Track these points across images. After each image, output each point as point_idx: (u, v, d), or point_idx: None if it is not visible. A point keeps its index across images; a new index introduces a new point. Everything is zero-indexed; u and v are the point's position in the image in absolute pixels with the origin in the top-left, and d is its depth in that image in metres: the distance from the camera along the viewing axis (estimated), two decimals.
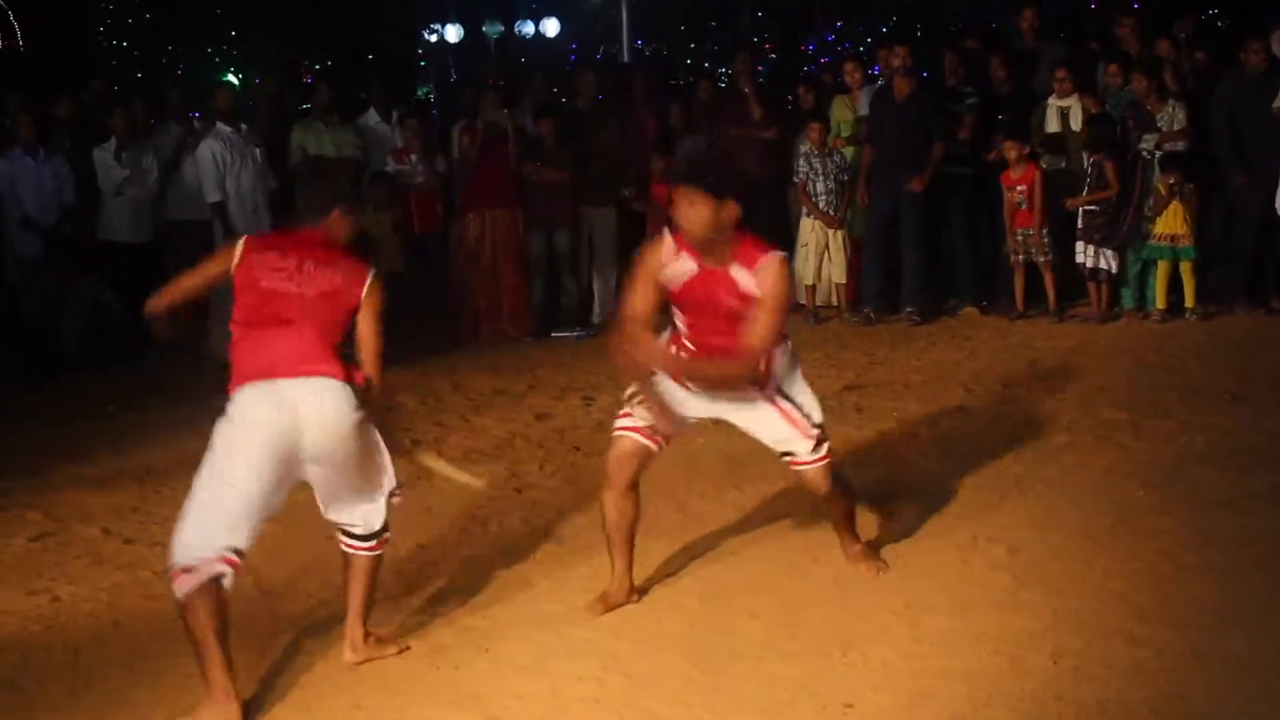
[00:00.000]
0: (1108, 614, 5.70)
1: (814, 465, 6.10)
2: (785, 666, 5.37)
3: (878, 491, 7.37)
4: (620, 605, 6.08)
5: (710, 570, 6.47)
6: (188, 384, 9.59)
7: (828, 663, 5.39)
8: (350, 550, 5.73)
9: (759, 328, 5.75)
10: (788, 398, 6.03)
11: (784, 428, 6.04)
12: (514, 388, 10.76)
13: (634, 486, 6.09)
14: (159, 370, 11.36)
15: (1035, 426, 8.61)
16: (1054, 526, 6.78)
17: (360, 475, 5.59)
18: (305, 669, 5.66)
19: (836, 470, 6.23)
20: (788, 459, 6.14)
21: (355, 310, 5.54)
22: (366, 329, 5.56)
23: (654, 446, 6.07)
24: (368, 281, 5.56)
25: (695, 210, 5.68)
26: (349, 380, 5.42)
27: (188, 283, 5.71)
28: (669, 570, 6.48)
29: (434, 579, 6.65)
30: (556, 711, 5.14)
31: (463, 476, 6.36)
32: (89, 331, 12.14)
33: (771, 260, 5.77)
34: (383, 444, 5.64)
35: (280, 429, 5.30)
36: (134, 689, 5.56)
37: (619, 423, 6.15)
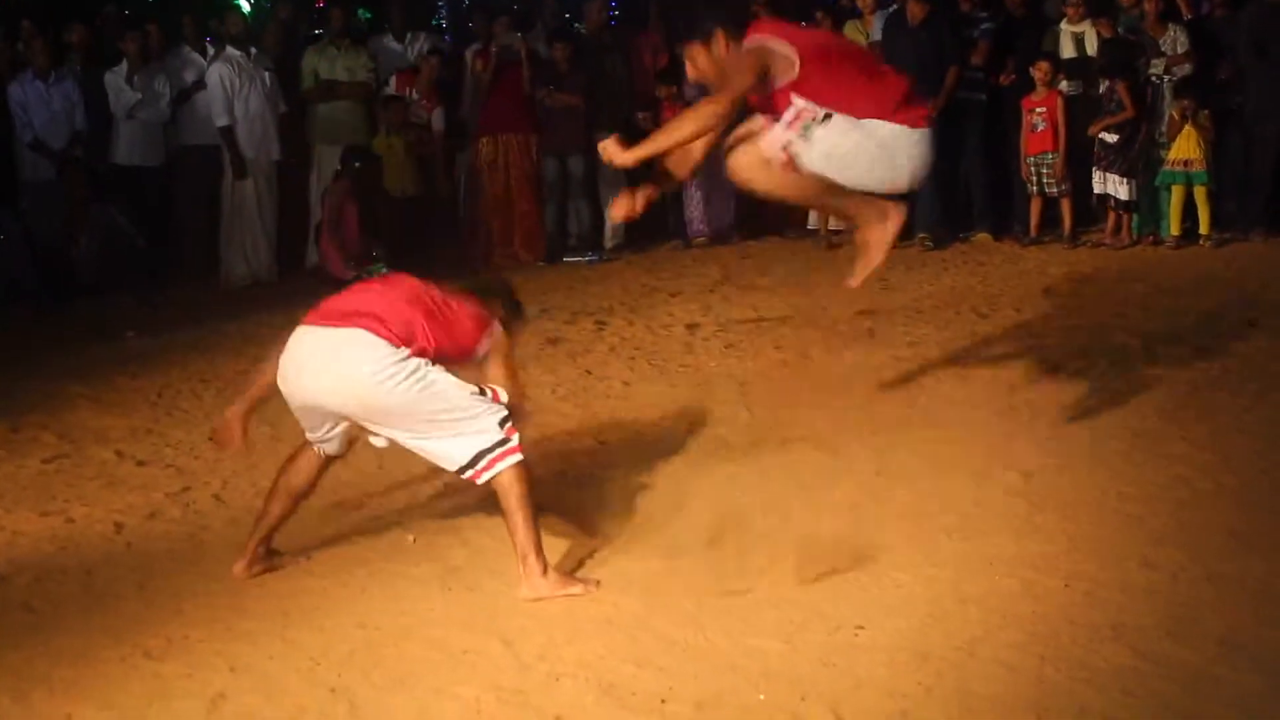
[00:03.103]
0: (1122, 538, 5.68)
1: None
2: (797, 589, 5.35)
3: (890, 417, 7.35)
4: None
5: (724, 493, 6.40)
6: (201, 308, 9.58)
7: (840, 585, 5.36)
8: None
9: None
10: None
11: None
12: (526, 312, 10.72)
13: None
14: (172, 295, 11.37)
15: (1049, 352, 8.56)
16: (1068, 452, 6.75)
17: (405, 427, 5.41)
18: (319, 591, 5.66)
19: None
20: None
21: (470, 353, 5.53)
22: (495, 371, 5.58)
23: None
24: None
25: (699, 63, 5.59)
26: (403, 344, 5.30)
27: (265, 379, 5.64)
28: (683, 492, 6.43)
29: (445, 499, 6.64)
30: (570, 633, 5.13)
31: None
32: (102, 255, 12.13)
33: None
34: (444, 387, 5.36)
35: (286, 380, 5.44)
36: (146, 609, 5.57)
37: None
